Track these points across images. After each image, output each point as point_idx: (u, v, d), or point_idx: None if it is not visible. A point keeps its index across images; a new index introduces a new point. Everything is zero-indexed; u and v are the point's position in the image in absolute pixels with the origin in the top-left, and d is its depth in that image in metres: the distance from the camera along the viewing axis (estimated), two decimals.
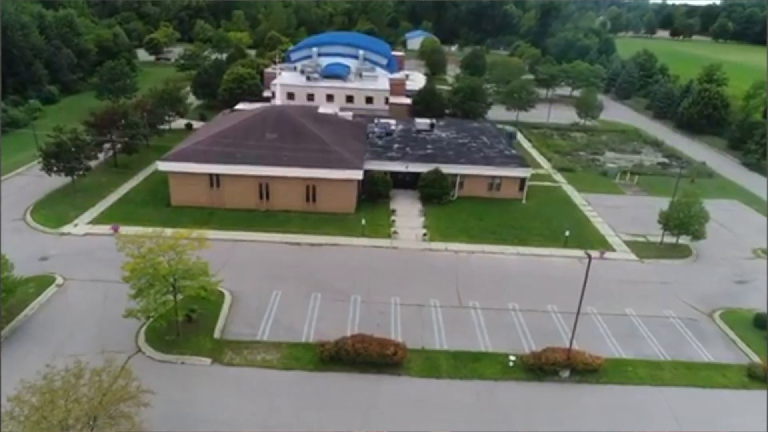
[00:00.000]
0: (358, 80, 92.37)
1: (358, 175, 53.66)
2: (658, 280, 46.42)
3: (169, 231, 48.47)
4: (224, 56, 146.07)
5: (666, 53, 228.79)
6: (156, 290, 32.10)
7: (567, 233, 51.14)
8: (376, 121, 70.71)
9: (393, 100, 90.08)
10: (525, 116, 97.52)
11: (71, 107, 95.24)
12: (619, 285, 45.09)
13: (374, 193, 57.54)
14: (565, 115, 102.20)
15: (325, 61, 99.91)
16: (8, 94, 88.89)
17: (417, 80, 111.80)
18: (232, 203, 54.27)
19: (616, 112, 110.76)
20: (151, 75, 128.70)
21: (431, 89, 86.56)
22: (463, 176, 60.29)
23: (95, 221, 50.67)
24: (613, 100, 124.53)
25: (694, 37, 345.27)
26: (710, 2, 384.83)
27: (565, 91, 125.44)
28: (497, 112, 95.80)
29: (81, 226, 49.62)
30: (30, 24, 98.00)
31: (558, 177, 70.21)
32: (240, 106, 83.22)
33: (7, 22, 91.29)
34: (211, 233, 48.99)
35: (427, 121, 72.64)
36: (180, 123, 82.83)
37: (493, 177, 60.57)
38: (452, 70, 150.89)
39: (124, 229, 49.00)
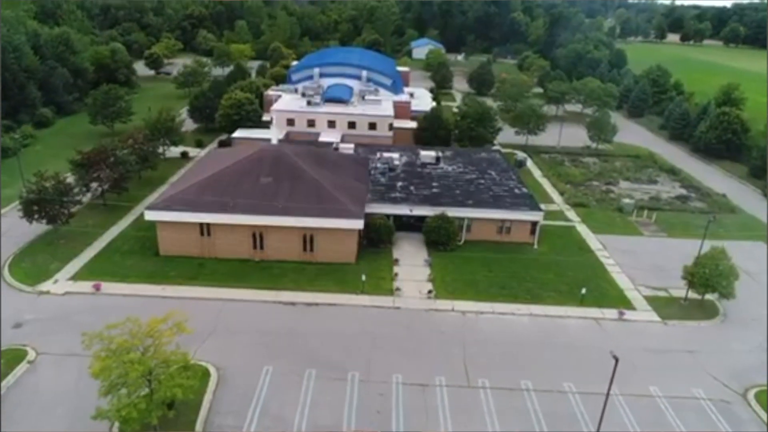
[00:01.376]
0: (362, 104, 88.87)
1: (359, 225, 50.12)
2: (683, 348, 42.57)
3: (153, 288, 45.89)
4: (225, 70, 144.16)
5: (678, 60, 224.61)
6: (129, 389, 28.65)
7: (583, 291, 47.37)
8: (378, 155, 67.14)
9: (397, 124, 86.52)
10: (534, 138, 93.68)
11: (65, 131, 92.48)
12: (642, 355, 41.27)
13: (376, 240, 54.01)
14: (577, 136, 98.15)
15: (327, 82, 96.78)
16: None
17: (422, 99, 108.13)
18: (224, 252, 50.90)
19: (629, 133, 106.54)
20: (151, 91, 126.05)
21: (437, 115, 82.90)
22: (472, 219, 56.70)
23: (77, 276, 47.36)
24: (626, 118, 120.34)
25: (705, 42, 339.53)
26: (721, 3, 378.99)
27: (575, 106, 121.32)
28: (506, 134, 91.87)
29: (61, 282, 46.35)
30: (23, 46, 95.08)
31: (571, 214, 66.37)
32: (238, 133, 79.88)
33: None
34: (200, 290, 46.13)
35: (433, 153, 69.00)
36: (176, 150, 79.65)
37: (503, 220, 56.93)
38: (459, 82, 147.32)
39: (107, 286, 45.86)
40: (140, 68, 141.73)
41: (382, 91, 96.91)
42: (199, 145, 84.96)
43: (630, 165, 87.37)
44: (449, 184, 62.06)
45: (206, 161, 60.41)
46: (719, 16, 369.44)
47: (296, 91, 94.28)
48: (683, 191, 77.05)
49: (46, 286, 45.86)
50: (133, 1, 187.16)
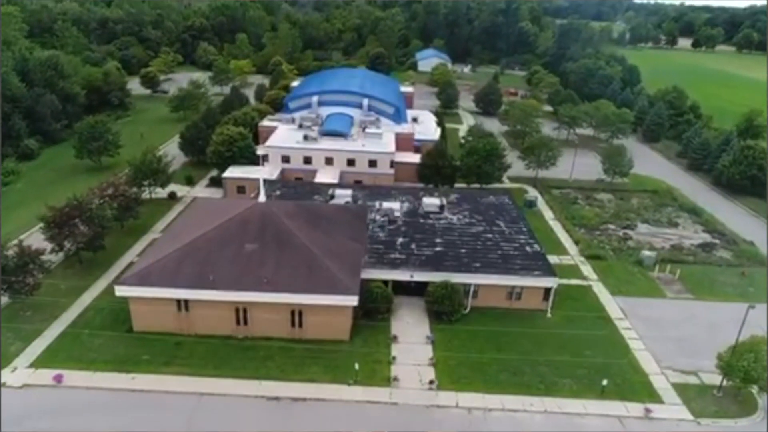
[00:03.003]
0: (362, 137, 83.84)
1: (353, 301, 45.08)
2: None
3: (122, 379, 41.07)
4: (225, 89, 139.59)
5: (691, 70, 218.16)
6: None
7: (605, 383, 42.10)
8: (378, 205, 62.02)
9: (400, 157, 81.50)
10: (545, 170, 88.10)
11: (51, 164, 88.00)
12: None
13: (373, 310, 48.99)
14: (590, 166, 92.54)
15: (325, 111, 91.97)
16: None
17: (426, 124, 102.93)
18: (204, 329, 46.03)
19: (645, 161, 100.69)
20: (146, 113, 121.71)
21: (441, 150, 77.72)
22: (479, 285, 51.57)
23: (38, 362, 42.55)
24: (641, 143, 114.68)
25: (718, 48, 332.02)
26: (732, 3, 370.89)
27: (587, 129, 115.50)
28: (515, 165, 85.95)
29: (20, 371, 41.59)
30: (8, 74, 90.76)
31: (587, 269, 61.03)
32: (230, 171, 75.08)
33: None
34: (173, 381, 41.29)
35: (437, 201, 63.85)
36: (164, 190, 74.86)
37: (514, 286, 51.75)
38: (465, 99, 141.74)
39: (70, 377, 41.11)
40: (137, 86, 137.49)
41: (383, 120, 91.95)
42: (189, 182, 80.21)
43: (648, 203, 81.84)
44: (454, 240, 56.90)
45: (188, 218, 55.51)
46: (731, 21, 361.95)
47: (293, 121, 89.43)
48: (707, 236, 71.44)
49: (4, 375, 41.10)
50: (132, 14, 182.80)
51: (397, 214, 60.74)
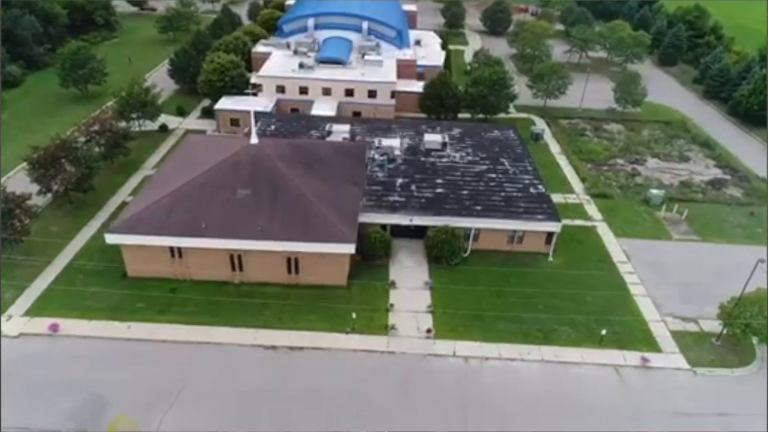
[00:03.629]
0: (361, 65, 79.21)
1: (350, 249, 43.83)
2: (715, 409, 37.42)
3: (118, 328, 40.86)
4: (216, 6, 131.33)
5: None
6: None
7: (603, 332, 41.68)
8: (377, 141, 59.25)
9: (402, 86, 77.43)
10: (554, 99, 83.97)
11: (36, 92, 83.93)
12: (667, 420, 36.31)
13: (371, 255, 47.97)
14: (601, 93, 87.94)
15: (322, 35, 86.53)
16: None
17: (430, 47, 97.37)
18: (199, 274, 45.29)
19: (660, 86, 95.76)
20: (133, 34, 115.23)
21: (445, 81, 73.37)
22: (480, 229, 50.17)
23: (33, 311, 42.18)
24: (656, 67, 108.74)
25: None
26: None
27: (601, 52, 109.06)
28: (522, 93, 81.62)
29: (15, 320, 41.32)
30: None
31: (592, 209, 59.27)
32: (222, 103, 71.60)
33: None
34: (169, 330, 41.09)
35: (438, 138, 61.01)
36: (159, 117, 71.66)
37: (516, 230, 50.30)
38: (472, 17, 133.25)
39: (66, 325, 40.88)
40: (123, 3, 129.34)
41: (384, 45, 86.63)
42: (181, 113, 76.82)
43: (659, 134, 78.51)
44: (455, 181, 54.81)
45: (178, 159, 53.08)
46: None
47: (288, 46, 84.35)
48: (718, 172, 69.01)
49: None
50: None
51: (397, 152, 58.23)
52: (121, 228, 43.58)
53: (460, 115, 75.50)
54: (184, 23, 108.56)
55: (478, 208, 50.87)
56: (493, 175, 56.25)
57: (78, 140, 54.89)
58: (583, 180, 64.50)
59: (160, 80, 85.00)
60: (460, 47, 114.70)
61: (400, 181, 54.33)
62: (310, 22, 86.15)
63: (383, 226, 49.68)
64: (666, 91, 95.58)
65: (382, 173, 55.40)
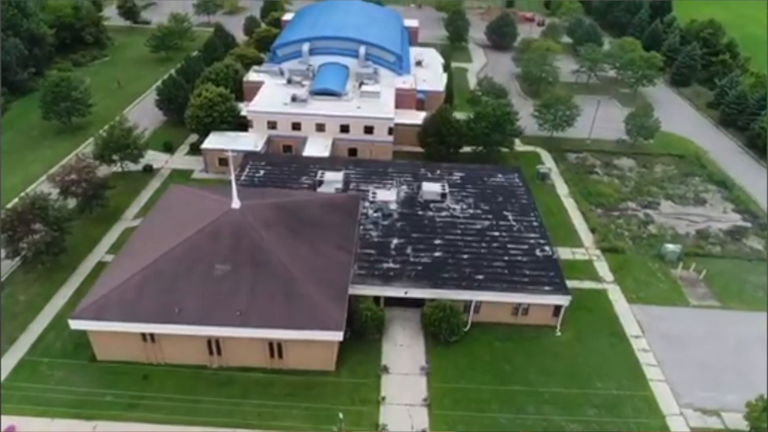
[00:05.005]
0: (357, 96, 74.93)
1: (337, 336, 39.99)
2: None
3: (82, 429, 37.26)
4: (212, 19, 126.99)
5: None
6: None
7: None
8: (371, 195, 55.13)
9: (401, 118, 73.33)
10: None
11: (18, 123, 79.71)
12: None
13: (363, 332, 44.14)
14: (611, 118, 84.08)
15: (318, 61, 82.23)
16: None
17: (431, 68, 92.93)
18: (173, 358, 41.58)
19: (672, 112, 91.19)
20: (125, 51, 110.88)
21: (445, 117, 69.00)
22: (481, 301, 46.24)
23: None
24: (668, 87, 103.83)
25: None
26: None
27: (608, 68, 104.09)
28: (527, 123, 77.08)
29: None
30: None
31: (602, 267, 55.13)
32: (209, 141, 67.74)
33: None
34: (139, 430, 37.16)
35: (437, 187, 56.87)
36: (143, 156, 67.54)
37: (520, 303, 46.32)
38: (477, 28, 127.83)
39: (26, 425, 37.22)
40: (116, 15, 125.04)
41: (383, 71, 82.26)
42: (168, 148, 72.84)
43: (673, 171, 74.09)
44: (455, 241, 50.75)
45: (156, 220, 49.18)
46: None
47: (281, 73, 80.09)
48: (737, 218, 64.64)
49: None
50: None
51: (393, 206, 54.18)
52: (87, 313, 39.81)
53: (462, 149, 71.28)
54: (176, 42, 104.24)
55: (480, 277, 46.82)
56: (496, 234, 52.15)
57: (49, 197, 50.76)
58: (592, 231, 60.29)
59: (149, 108, 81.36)
60: (464, 65, 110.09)
61: (395, 242, 50.32)
62: (305, 47, 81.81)
63: (376, 298, 45.85)
64: (679, 117, 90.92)
65: (376, 232, 51.41)
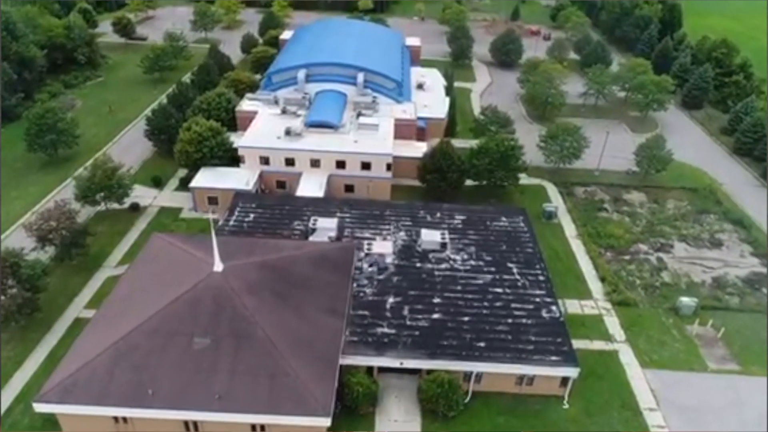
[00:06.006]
0: (354, 128, 71.65)
1: (325, 422, 36.65)
2: None
3: None
4: (208, 35, 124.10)
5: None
6: None
7: None
8: (366, 249, 51.63)
9: (399, 148, 70.04)
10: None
11: (4, 153, 76.38)
12: None
13: (354, 407, 40.89)
14: (620, 144, 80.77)
15: (314, 88, 79.03)
16: None
17: (433, 91, 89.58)
18: None
19: (684, 139, 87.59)
20: (118, 71, 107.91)
21: (446, 153, 65.56)
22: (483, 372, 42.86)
23: None
24: (680, 109, 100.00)
25: None
26: None
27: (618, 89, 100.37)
28: (532, 153, 73.64)
29: None
30: None
31: (612, 322, 51.61)
32: (198, 179, 64.64)
33: None
34: None
35: (437, 237, 53.42)
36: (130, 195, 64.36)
37: (525, 374, 42.92)
38: (481, 42, 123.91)
39: None
40: (111, 33, 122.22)
41: (382, 98, 78.93)
42: (157, 183, 69.74)
43: (686, 208, 70.41)
44: (455, 300, 47.33)
45: (135, 274, 46.02)
46: None
47: (276, 102, 76.90)
48: (756, 263, 60.93)
49: None
50: None
51: (389, 259, 50.80)
52: (53, 395, 36.61)
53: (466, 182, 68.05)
54: (170, 62, 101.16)
55: (481, 344, 43.37)
56: (500, 290, 48.71)
57: (23, 251, 47.70)
58: (602, 279, 56.76)
59: (138, 137, 78.25)
60: (467, 85, 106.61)
61: (390, 301, 46.95)
62: (301, 74, 78.57)
63: (369, 367, 42.58)
64: (691, 144, 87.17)
65: (370, 288, 48.07)
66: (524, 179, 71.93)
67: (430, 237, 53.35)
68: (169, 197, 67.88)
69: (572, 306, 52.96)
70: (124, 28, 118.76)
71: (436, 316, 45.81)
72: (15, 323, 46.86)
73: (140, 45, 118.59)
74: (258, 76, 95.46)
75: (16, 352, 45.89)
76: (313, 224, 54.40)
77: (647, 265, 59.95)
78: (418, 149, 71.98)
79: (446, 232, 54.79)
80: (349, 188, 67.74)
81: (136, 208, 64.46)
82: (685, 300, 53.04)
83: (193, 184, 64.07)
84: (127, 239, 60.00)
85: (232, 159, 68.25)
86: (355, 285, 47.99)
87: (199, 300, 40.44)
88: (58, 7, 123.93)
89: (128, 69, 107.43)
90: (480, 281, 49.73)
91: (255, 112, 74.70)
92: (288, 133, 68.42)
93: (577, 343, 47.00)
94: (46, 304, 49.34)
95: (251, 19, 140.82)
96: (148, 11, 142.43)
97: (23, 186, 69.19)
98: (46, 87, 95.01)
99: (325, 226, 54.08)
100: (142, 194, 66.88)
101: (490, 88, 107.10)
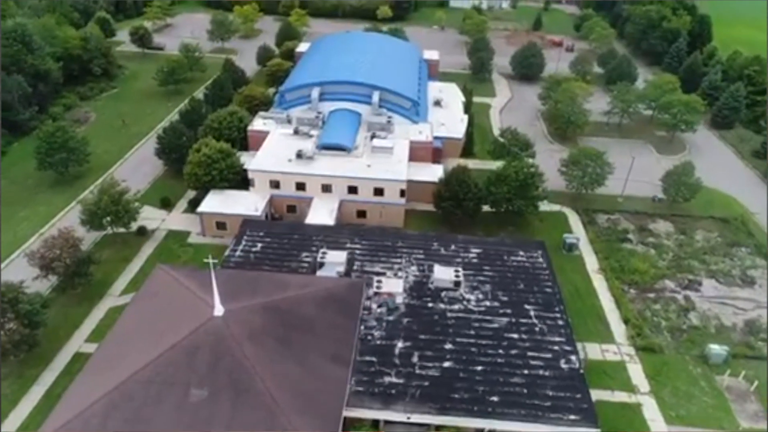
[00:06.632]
0: (368, 150, 69.45)
1: None
2: None
3: None
4: (225, 45, 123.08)
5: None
6: None
7: None
8: (375, 287, 49.33)
9: (415, 173, 67.81)
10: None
11: (14, 169, 75.56)
12: None
13: None
14: (645, 167, 77.24)
15: (328, 107, 77.12)
16: None
17: (451, 108, 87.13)
18: None
19: (714, 162, 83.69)
20: (134, 82, 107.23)
21: (462, 180, 62.97)
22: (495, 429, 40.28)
23: None
24: (709, 129, 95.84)
25: None
26: None
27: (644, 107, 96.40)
28: (552, 176, 70.81)
29: None
30: None
31: (636, 370, 48.51)
32: (207, 204, 63.08)
33: None
34: None
35: (451, 275, 50.90)
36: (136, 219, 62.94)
37: None
38: (501, 54, 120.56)
39: None
40: (129, 43, 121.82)
41: (397, 117, 76.60)
42: (166, 204, 68.40)
43: (716, 239, 66.81)
44: (468, 347, 44.76)
45: (136, 311, 44.34)
46: None
47: (289, 121, 75.08)
48: None
49: None
50: None
51: (400, 300, 48.45)
52: None
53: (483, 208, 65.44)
54: (185, 74, 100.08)
55: (494, 398, 40.77)
56: (515, 336, 46.05)
57: (23, 284, 46.32)
58: (625, 321, 53.64)
59: (149, 155, 76.93)
60: (486, 100, 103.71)
61: (399, 346, 44.60)
62: (315, 92, 76.61)
63: (375, 420, 40.33)
64: (721, 168, 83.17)
65: (379, 331, 45.80)
66: (544, 205, 69.00)
67: (444, 274, 50.86)
68: (177, 220, 66.42)
69: (593, 351, 49.98)
70: (141, 39, 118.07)
71: (447, 364, 43.35)
72: (14, 357, 45.77)
73: (157, 54, 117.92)
74: (272, 90, 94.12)
75: (12, 390, 44.61)
76: (322, 257, 52.30)
77: (674, 304, 56.65)
78: (433, 173, 69.53)
79: (460, 268, 52.20)
80: (362, 214, 65.62)
81: (143, 232, 62.99)
82: (715, 348, 49.71)
83: (201, 208, 62.49)
84: (132, 266, 58.58)
85: (243, 180, 66.67)
86: (362, 327, 45.79)
87: (198, 347, 38.55)
88: (77, 15, 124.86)
89: (144, 80, 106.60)
90: (495, 325, 47.12)
91: (267, 132, 72.92)
92: (299, 155, 66.47)
93: (598, 394, 44.43)
94: (46, 336, 48.09)
95: (269, 27, 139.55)
96: (167, 19, 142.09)
97: (32, 205, 68.36)
98: (61, 99, 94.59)
99: (334, 260, 51.93)
100: (150, 216, 65.59)
101: (510, 104, 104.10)
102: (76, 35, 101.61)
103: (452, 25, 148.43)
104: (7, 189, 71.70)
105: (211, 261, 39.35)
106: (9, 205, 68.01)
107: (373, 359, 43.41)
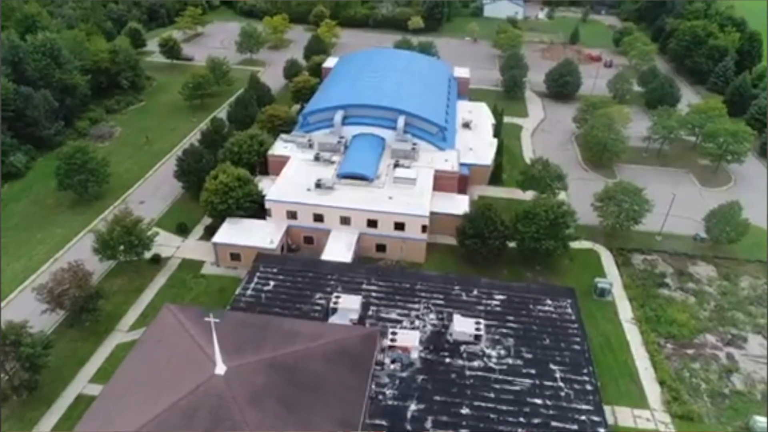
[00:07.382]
0: (390, 181, 66.58)
1: None
2: None
3: None
4: (253, 56, 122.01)
5: None
6: None
7: None
8: (390, 340, 46.36)
9: (439, 205, 64.80)
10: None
11: (37, 188, 75.23)
12: None
13: None
14: (686, 200, 72.56)
15: (351, 131, 74.64)
16: None
17: (480, 130, 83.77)
18: None
19: (762, 195, 77.69)
20: (161, 95, 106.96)
21: (489, 217, 59.52)
22: None
23: None
24: (758, 159, 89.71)
25: None
26: None
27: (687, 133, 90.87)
28: (584, 210, 66.81)
29: None
30: None
31: None
32: (221, 234, 61.18)
33: None
34: None
35: (471, 327, 47.61)
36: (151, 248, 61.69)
37: None
38: (536, 69, 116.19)
39: None
40: (158, 54, 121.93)
41: (423, 144, 73.58)
42: (182, 230, 66.95)
43: (763, 287, 61.62)
44: (487, 412, 41.52)
45: (131, 369, 42.19)
46: None
47: (310, 145, 72.85)
48: None
49: None
50: None
51: (415, 354, 45.44)
52: None
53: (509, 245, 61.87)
54: (211, 89, 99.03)
55: None
56: (539, 402, 42.54)
57: (25, 330, 44.78)
58: (660, 383, 49.37)
59: (169, 175, 75.53)
60: (518, 120, 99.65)
61: (412, 408, 41.69)
62: (338, 116, 74.16)
63: None
64: None
65: (391, 390, 42.98)
66: (575, 243, 64.91)
67: (463, 327, 47.63)
68: (192, 247, 64.81)
69: (624, 416, 46.06)
70: (170, 50, 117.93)
71: (463, 431, 40.21)
72: (17, 397, 44.60)
73: (186, 65, 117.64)
74: (297, 107, 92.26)
75: (22, 424, 43.42)
76: (335, 303, 49.68)
77: (715, 363, 52.07)
78: (458, 205, 66.26)
79: (482, 319, 48.90)
80: (381, 248, 62.85)
81: (157, 260, 61.61)
82: (761, 421, 45.14)
83: (216, 239, 60.71)
84: (143, 298, 57.14)
85: (261, 207, 64.66)
86: (374, 384, 42.97)
87: (197, 409, 36.31)
88: (110, 24, 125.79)
89: (171, 92, 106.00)
90: (517, 387, 43.70)
91: (287, 157, 70.78)
92: (319, 185, 64.08)
93: None
94: (50, 375, 46.82)
95: (298, 37, 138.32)
96: (197, 28, 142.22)
97: (49, 227, 67.84)
98: (88, 113, 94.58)
99: (348, 306, 49.26)
100: (165, 242, 64.21)
101: (542, 125, 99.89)
102: (105, 48, 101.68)
103: (485, 36, 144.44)
104: (27, 209, 71.48)
105: (212, 320, 37.07)
106: (27, 228, 67.64)
107: (383, 423, 40.64)
